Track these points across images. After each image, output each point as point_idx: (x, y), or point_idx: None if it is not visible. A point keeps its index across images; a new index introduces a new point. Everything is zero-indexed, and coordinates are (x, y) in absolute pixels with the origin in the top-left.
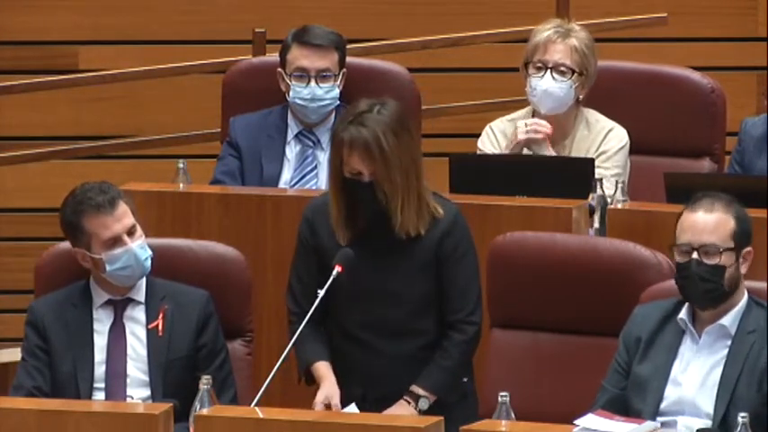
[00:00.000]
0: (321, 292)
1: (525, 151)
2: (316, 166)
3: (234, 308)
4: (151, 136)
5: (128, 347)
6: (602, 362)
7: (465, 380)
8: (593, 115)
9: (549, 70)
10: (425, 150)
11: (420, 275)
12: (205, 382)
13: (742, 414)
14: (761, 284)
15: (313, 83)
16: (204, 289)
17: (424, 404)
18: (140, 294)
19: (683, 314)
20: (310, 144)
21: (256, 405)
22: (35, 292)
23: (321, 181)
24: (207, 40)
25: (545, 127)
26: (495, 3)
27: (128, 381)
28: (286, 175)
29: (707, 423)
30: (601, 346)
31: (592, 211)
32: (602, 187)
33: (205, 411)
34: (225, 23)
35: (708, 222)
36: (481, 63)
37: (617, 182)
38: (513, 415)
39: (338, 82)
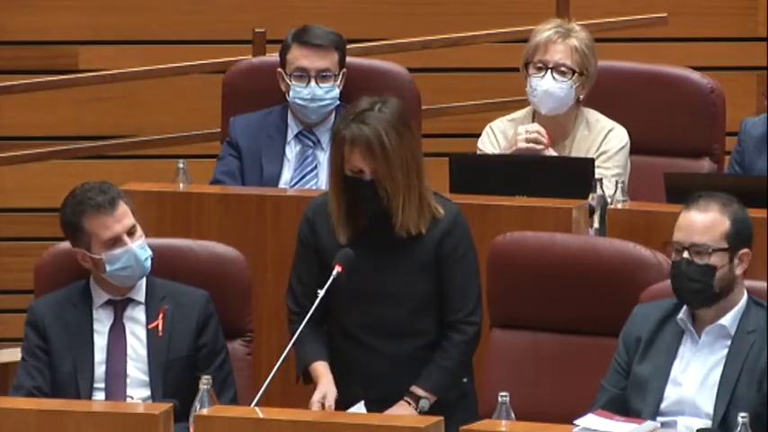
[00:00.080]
0: (321, 292)
1: None
2: (316, 166)
3: (234, 308)
4: (151, 136)
5: (128, 347)
6: (602, 362)
7: (465, 380)
8: (594, 115)
9: (549, 70)
10: (425, 150)
11: (420, 275)
12: (205, 382)
13: (742, 414)
14: (761, 284)
15: (313, 83)
16: (204, 289)
17: (424, 405)
18: (140, 294)
19: (682, 314)
20: (310, 144)
21: (256, 405)
22: (35, 292)
23: (321, 181)
24: (207, 40)
25: (544, 137)
26: (495, 3)
27: (128, 381)
28: (286, 175)
29: (707, 423)
30: (601, 346)
31: (592, 211)
32: (602, 187)
33: (205, 411)
34: (225, 23)
35: (701, 222)
36: (481, 63)
37: (617, 182)
38: (513, 415)
39: (338, 82)
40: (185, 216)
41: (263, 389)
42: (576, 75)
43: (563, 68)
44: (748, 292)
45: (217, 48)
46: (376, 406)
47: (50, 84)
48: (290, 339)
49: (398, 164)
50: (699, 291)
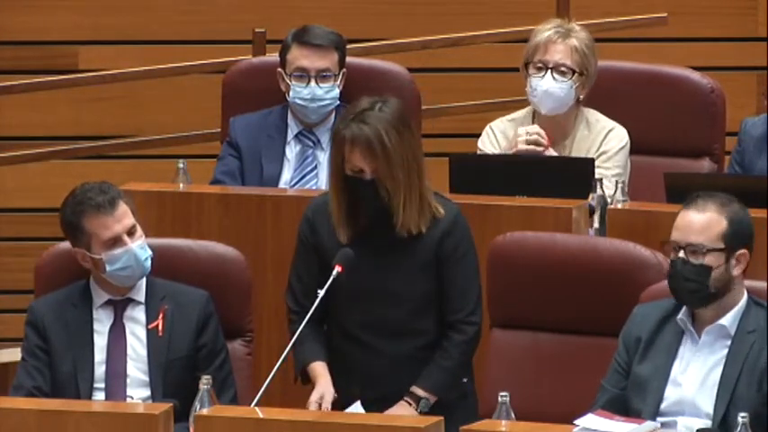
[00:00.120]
0: (321, 292)
1: None
2: (316, 167)
3: (234, 308)
4: (151, 136)
5: (128, 347)
6: (602, 362)
7: (465, 380)
8: (594, 115)
9: (549, 70)
10: (426, 150)
11: (420, 275)
12: (205, 382)
13: (742, 414)
14: (761, 284)
15: (313, 83)
16: (204, 289)
17: (425, 406)
18: (140, 294)
19: (682, 314)
20: (310, 144)
21: (256, 405)
22: (35, 292)
23: (321, 181)
24: (207, 40)
25: (544, 138)
26: (495, 3)
27: (128, 381)
28: (286, 175)
29: (707, 423)
30: (601, 346)
31: (592, 211)
32: (602, 187)
33: (205, 411)
34: (225, 23)
35: (697, 222)
36: (481, 63)
37: (617, 182)
38: (513, 415)
39: (338, 82)
40: (185, 216)
41: (263, 389)
42: (576, 75)
43: (563, 68)
44: (748, 292)
45: (217, 48)
46: (376, 406)
47: (50, 84)
48: (290, 339)
49: (399, 163)
50: (694, 291)
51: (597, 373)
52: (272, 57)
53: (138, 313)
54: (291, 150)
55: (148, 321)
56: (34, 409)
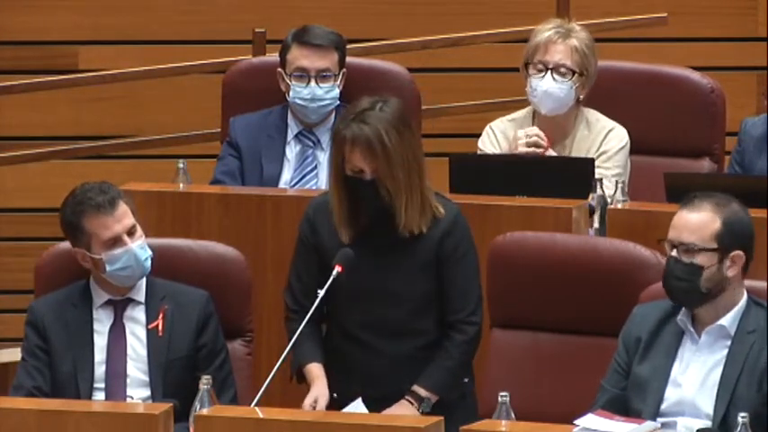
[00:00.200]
0: (321, 292)
1: None
2: (316, 167)
3: (234, 308)
4: (151, 136)
5: (128, 347)
6: (602, 362)
7: (466, 380)
8: (594, 115)
9: (549, 71)
10: (426, 150)
11: (420, 275)
12: (205, 382)
13: (742, 414)
14: (761, 284)
15: (313, 83)
16: (204, 289)
17: (426, 406)
18: (140, 294)
19: (682, 315)
20: (310, 144)
21: (256, 405)
22: (35, 292)
23: (321, 181)
24: (207, 40)
25: (544, 140)
26: (495, 3)
27: (128, 381)
28: (286, 175)
29: (707, 424)
30: (601, 346)
31: (592, 211)
32: (602, 187)
33: (205, 411)
34: (225, 23)
35: (691, 221)
36: (481, 63)
37: (617, 182)
38: (513, 415)
39: (338, 82)
40: (185, 216)
41: (263, 389)
42: (576, 75)
43: (563, 69)
44: (748, 293)
45: (217, 48)
46: (375, 405)
47: (50, 84)
48: (288, 337)
49: (399, 163)
50: (685, 290)
51: (597, 373)
52: (272, 57)
53: (138, 313)
54: (291, 150)
55: (148, 321)
56: (34, 409)
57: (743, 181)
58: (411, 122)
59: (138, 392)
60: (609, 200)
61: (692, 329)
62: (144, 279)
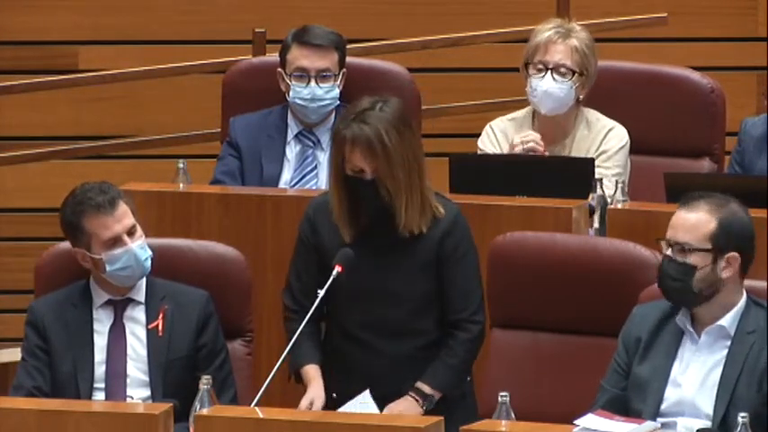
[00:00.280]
0: (321, 293)
1: None
2: (316, 167)
3: (234, 308)
4: (151, 136)
5: (128, 347)
6: (602, 362)
7: (468, 379)
8: (594, 114)
9: (549, 71)
10: (426, 150)
11: (420, 275)
12: (205, 382)
13: (742, 414)
14: (761, 284)
15: (313, 83)
16: (204, 289)
17: (430, 404)
18: (140, 294)
19: (681, 314)
20: (310, 144)
21: (256, 405)
22: (35, 292)
23: (321, 181)
24: (207, 40)
25: (540, 145)
26: (495, 3)
27: (128, 381)
28: (286, 175)
29: (707, 424)
30: (601, 346)
31: (592, 211)
32: (602, 187)
33: (205, 411)
34: (225, 23)
35: (687, 221)
36: (481, 63)
37: (617, 182)
38: (513, 415)
39: (338, 82)
40: (185, 216)
41: (263, 389)
42: (576, 75)
43: (563, 69)
44: (748, 293)
45: (217, 48)
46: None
47: (50, 84)
48: (287, 337)
49: (399, 163)
50: (677, 289)
51: (597, 373)
52: (272, 57)
53: (138, 313)
54: (291, 150)
55: (148, 321)
56: (34, 409)
57: (743, 181)
58: (411, 122)
59: (138, 392)
60: (609, 200)
61: (691, 329)
62: (144, 279)
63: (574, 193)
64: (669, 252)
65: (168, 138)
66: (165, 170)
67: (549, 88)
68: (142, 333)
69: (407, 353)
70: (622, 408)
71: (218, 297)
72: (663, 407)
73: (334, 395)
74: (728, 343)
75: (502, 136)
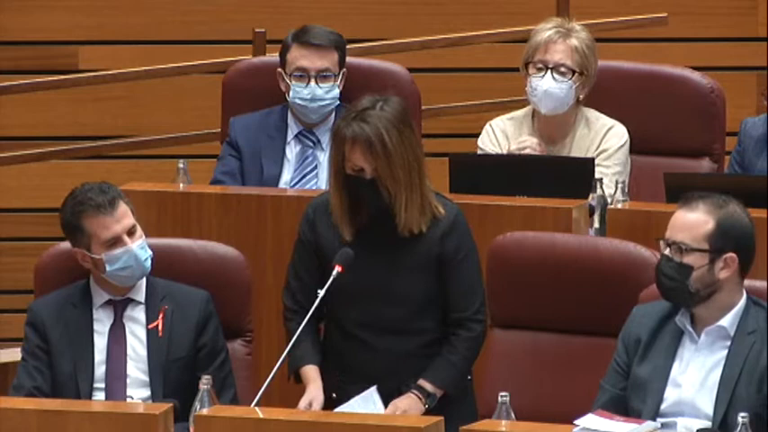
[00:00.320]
0: (321, 293)
1: None
2: (316, 167)
3: (234, 308)
4: (151, 136)
5: (128, 348)
6: (602, 362)
7: (469, 377)
8: (593, 113)
9: (549, 70)
10: (425, 150)
11: (420, 274)
12: (205, 382)
13: (742, 414)
14: (761, 284)
15: (313, 83)
16: (204, 289)
17: (432, 401)
18: (140, 294)
19: (680, 315)
20: (310, 144)
21: (256, 405)
22: (35, 292)
23: (321, 181)
24: (207, 40)
25: (536, 150)
26: (495, 3)
27: (128, 381)
28: (286, 175)
29: (707, 424)
30: (601, 346)
31: (592, 211)
32: (602, 187)
33: (205, 411)
34: (225, 23)
35: (684, 220)
36: (481, 63)
37: (617, 181)
38: (513, 415)
39: (338, 82)
40: (185, 216)
41: (263, 389)
42: (576, 75)
43: (563, 68)
44: (748, 293)
45: (217, 48)
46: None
47: (50, 84)
48: (286, 336)
49: (400, 163)
50: (674, 289)
51: (597, 373)
52: (272, 57)
53: (138, 313)
54: (291, 150)
55: (148, 321)
56: (34, 409)
57: (743, 181)
58: (411, 122)
59: (138, 392)
60: (609, 200)
61: (690, 329)
62: (144, 279)
63: (574, 193)
64: (667, 252)
65: (168, 138)
66: (165, 170)
67: (549, 88)
68: (142, 333)
69: (407, 352)
70: (622, 408)
71: (218, 297)
72: (663, 407)
73: (334, 395)
74: (728, 343)
75: (502, 135)
